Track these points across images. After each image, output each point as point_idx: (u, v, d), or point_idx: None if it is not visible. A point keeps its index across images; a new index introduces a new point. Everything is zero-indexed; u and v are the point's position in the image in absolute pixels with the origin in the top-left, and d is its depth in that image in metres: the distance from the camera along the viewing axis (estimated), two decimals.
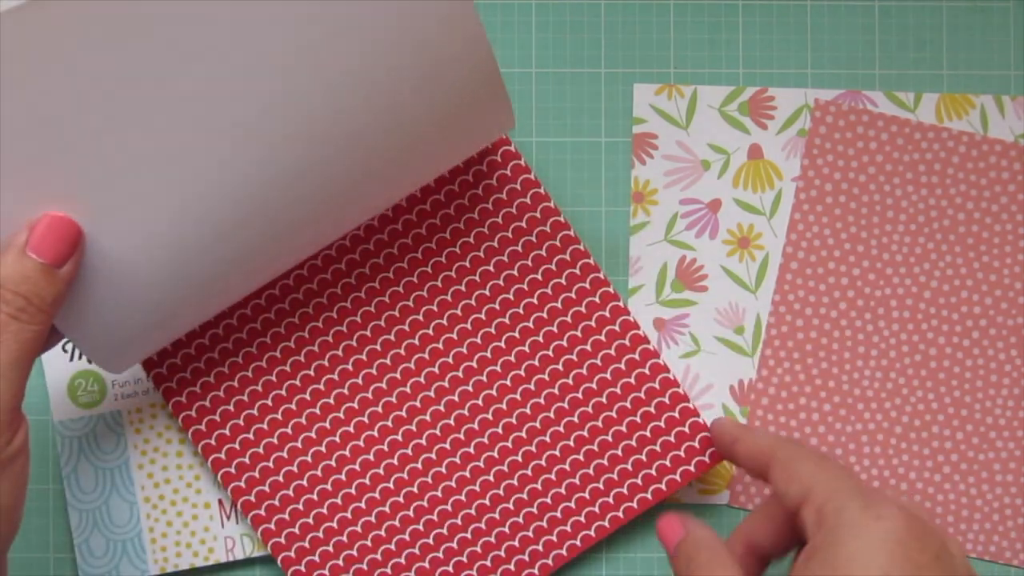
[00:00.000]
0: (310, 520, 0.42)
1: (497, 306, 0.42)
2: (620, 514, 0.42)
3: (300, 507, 0.42)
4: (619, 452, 0.42)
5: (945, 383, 0.44)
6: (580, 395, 0.42)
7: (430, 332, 0.42)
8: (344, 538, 0.42)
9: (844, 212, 0.44)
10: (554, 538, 0.42)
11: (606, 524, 0.42)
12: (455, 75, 0.34)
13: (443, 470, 0.42)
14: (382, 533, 0.42)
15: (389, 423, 0.42)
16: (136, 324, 0.36)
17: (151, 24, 0.31)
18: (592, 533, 0.42)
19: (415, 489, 0.42)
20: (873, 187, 0.44)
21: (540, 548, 0.42)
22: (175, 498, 0.43)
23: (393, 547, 0.42)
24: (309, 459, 0.42)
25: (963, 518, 0.44)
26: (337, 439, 0.42)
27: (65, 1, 0.30)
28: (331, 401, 0.42)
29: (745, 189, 0.44)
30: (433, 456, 0.42)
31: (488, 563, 0.42)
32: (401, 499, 0.42)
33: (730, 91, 0.44)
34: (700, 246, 0.44)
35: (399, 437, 0.42)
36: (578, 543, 0.42)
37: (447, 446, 0.42)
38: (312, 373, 0.42)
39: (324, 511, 0.42)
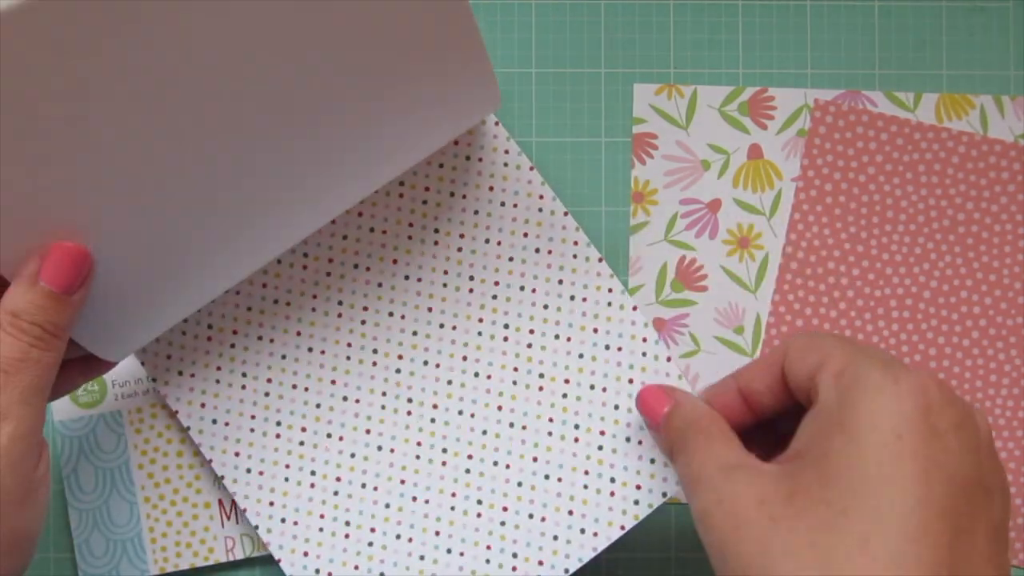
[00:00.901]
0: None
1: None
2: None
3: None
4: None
5: None
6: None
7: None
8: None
9: (844, 212, 0.44)
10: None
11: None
12: (437, 46, 0.34)
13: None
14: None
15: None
16: (128, 311, 0.37)
17: (135, 32, 0.31)
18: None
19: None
20: (873, 187, 0.44)
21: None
22: (175, 498, 0.43)
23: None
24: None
25: None
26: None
27: (55, 3, 0.30)
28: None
29: (745, 189, 0.44)
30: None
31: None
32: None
33: (730, 91, 0.44)
34: (700, 246, 0.44)
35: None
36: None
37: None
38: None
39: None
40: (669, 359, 0.42)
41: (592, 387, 0.42)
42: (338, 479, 0.42)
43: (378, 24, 0.33)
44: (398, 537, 0.42)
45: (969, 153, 0.44)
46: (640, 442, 0.42)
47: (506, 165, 0.42)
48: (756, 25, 0.45)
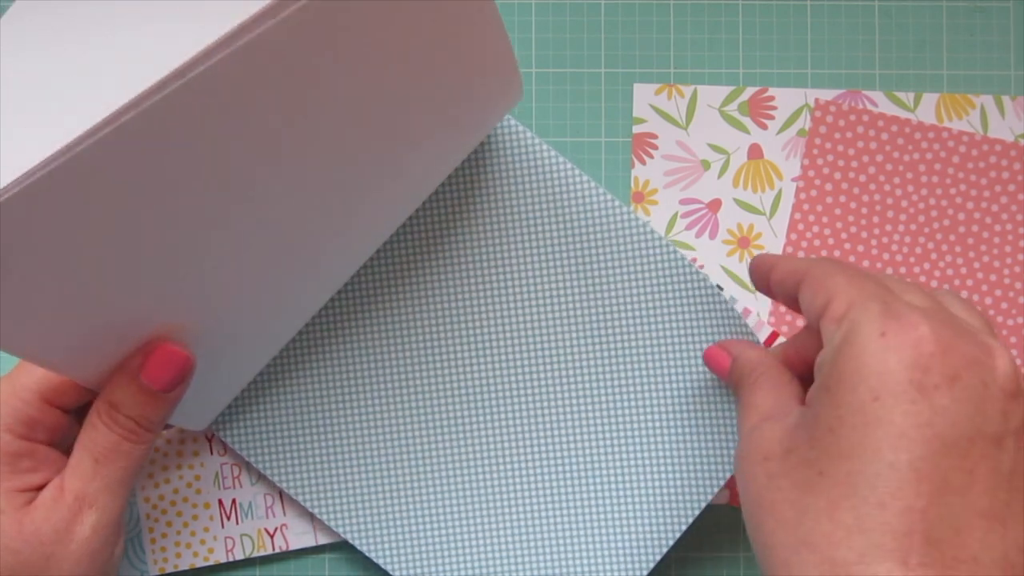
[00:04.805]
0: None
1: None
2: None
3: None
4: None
5: None
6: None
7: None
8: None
9: (844, 212, 0.44)
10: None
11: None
12: (466, 45, 0.33)
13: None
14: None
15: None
16: (212, 384, 0.37)
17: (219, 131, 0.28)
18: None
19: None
20: (873, 187, 0.44)
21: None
22: (175, 498, 0.43)
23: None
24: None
25: None
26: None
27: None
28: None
29: (745, 189, 0.44)
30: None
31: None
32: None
33: (730, 91, 0.44)
34: (700, 246, 0.44)
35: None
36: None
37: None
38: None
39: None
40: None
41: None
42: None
43: (410, 36, 0.31)
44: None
45: (969, 153, 0.44)
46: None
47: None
48: (756, 25, 0.45)
